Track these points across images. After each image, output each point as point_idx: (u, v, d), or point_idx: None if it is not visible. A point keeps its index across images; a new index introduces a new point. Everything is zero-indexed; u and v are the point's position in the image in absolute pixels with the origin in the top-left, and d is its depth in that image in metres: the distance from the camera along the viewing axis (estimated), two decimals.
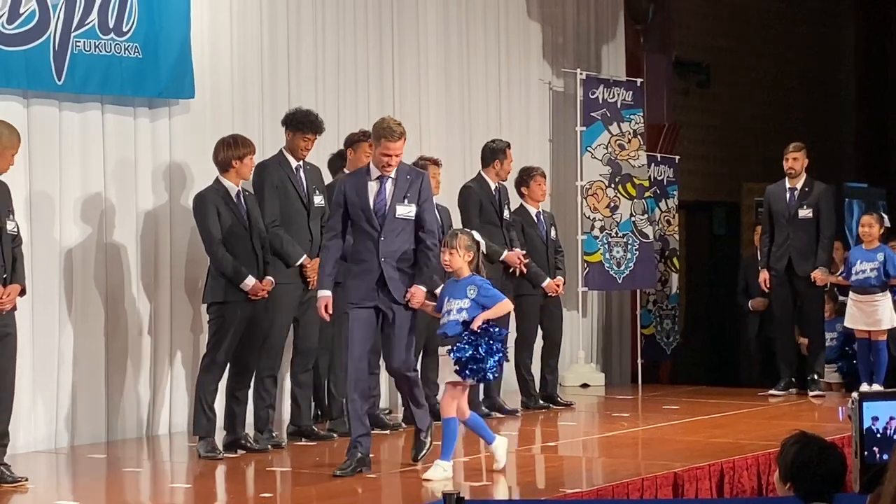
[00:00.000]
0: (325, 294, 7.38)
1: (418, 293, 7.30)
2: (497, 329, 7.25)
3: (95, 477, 7.88)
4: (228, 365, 8.17)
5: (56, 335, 8.51)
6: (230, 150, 8.19)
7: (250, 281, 8.03)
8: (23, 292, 7.23)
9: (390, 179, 7.32)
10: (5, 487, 7.03)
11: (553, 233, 10.63)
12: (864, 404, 3.40)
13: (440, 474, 7.07)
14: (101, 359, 8.76)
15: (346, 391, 7.50)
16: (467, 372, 7.15)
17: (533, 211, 10.52)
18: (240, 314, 8.05)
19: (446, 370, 7.26)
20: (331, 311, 7.42)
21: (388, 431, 8.95)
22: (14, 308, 7.18)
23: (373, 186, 7.31)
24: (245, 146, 8.21)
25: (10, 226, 7.18)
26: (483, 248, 7.81)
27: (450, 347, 7.21)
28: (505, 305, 7.32)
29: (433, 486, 6.91)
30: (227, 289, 8.04)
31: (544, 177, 10.61)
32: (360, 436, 7.27)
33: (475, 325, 7.14)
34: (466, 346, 7.12)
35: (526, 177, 10.51)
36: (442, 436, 7.18)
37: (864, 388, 10.62)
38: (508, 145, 10.15)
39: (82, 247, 8.69)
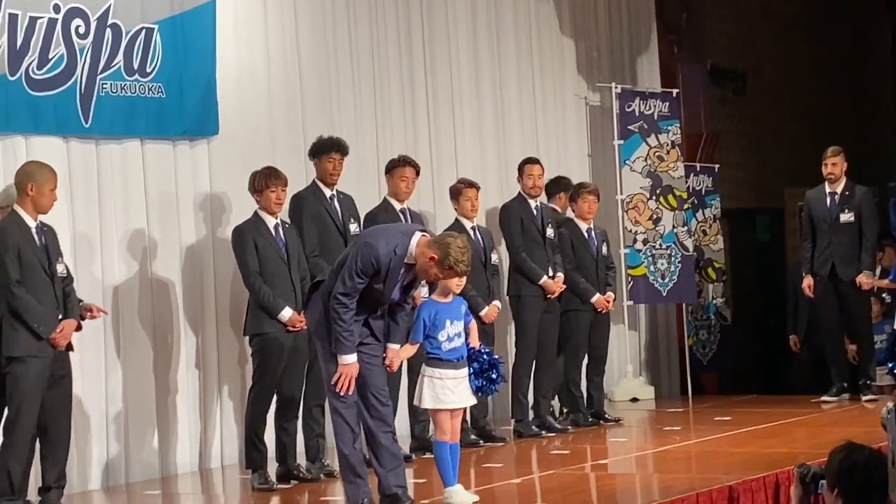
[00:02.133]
0: (353, 359, 6.72)
1: (396, 357, 6.97)
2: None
3: None
4: (275, 396, 8.20)
5: (105, 373, 8.54)
6: (251, 183, 8.28)
7: (287, 313, 8.05)
8: (79, 327, 7.31)
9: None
10: None
11: (605, 249, 10.61)
12: None
13: (468, 497, 7.05)
14: (151, 395, 8.79)
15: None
16: (495, 388, 7.19)
17: (584, 227, 10.51)
18: (281, 345, 8.08)
19: (455, 393, 7.03)
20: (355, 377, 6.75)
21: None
22: (70, 349, 7.25)
23: (398, 278, 6.72)
24: (267, 178, 8.21)
25: (59, 268, 7.26)
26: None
27: (495, 368, 7.19)
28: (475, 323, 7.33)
29: None
30: (267, 320, 8.08)
31: (594, 194, 10.53)
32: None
33: (477, 344, 7.14)
34: (495, 367, 7.15)
35: (575, 193, 10.53)
36: (452, 460, 7.02)
37: None
38: (527, 160, 10.15)
39: (127, 283, 8.74)
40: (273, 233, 8.22)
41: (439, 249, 6.58)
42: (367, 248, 6.62)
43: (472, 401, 7.29)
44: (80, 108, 8.41)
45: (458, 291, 7.11)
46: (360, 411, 6.82)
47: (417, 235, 6.71)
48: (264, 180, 8.22)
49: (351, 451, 6.80)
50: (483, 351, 7.13)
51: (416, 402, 7.29)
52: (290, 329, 8.08)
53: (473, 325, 7.21)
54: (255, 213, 8.28)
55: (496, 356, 7.22)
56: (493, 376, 7.09)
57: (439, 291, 7.11)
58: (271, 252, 8.17)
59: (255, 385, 8.21)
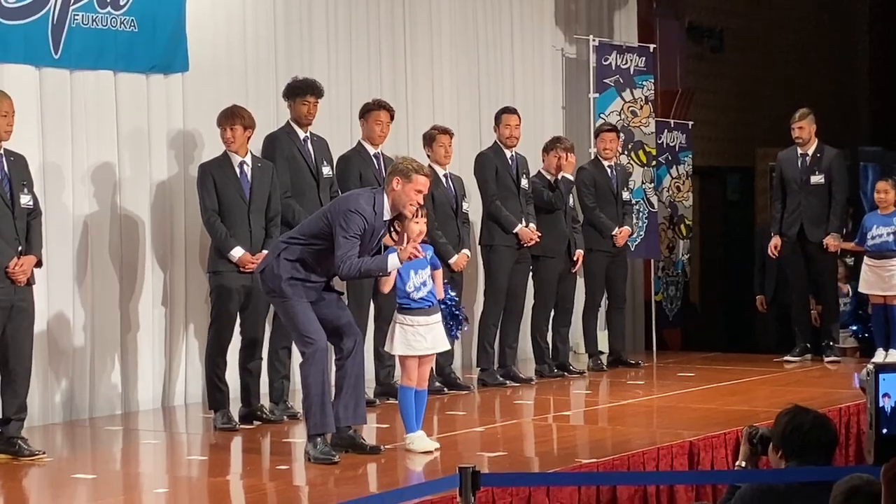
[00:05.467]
0: (397, 258, 6.81)
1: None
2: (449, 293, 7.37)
3: (112, 449, 7.92)
4: (240, 338, 8.19)
5: (71, 307, 8.51)
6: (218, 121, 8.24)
7: (237, 252, 8.03)
8: (39, 264, 7.26)
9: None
10: (23, 461, 7.07)
11: (571, 201, 10.59)
12: (881, 376, 3.40)
13: (430, 444, 7.13)
14: (117, 330, 8.77)
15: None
16: (454, 336, 7.28)
17: (551, 179, 10.46)
18: (237, 285, 8.07)
19: (426, 339, 7.11)
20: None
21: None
22: (31, 282, 7.20)
23: (381, 234, 6.94)
24: (226, 118, 8.19)
25: (24, 199, 7.20)
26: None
27: (454, 318, 7.22)
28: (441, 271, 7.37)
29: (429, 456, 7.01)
30: (223, 259, 8.08)
31: (567, 151, 10.36)
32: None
33: (441, 294, 7.18)
34: (459, 314, 7.18)
35: (548, 146, 10.46)
36: (417, 407, 7.15)
37: (880, 354, 10.63)
38: (505, 110, 10.11)
39: (96, 217, 8.68)
40: (237, 172, 8.18)
41: (395, 174, 6.85)
42: (354, 214, 6.77)
43: (445, 346, 7.33)
44: (50, 38, 8.30)
45: (423, 235, 7.00)
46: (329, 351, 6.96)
47: (382, 190, 6.92)
48: (224, 119, 8.23)
49: (318, 386, 6.87)
50: (446, 301, 7.15)
51: (386, 348, 7.33)
52: (242, 270, 8.06)
53: (438, 274, 7.22)
54: (224, 152, 8.25)
55: (455, 307, 7.25)
56: (451, 324, 7.15)
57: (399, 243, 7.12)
58: (231, 191, 8.14)
59: (212, 324, 8.24)
